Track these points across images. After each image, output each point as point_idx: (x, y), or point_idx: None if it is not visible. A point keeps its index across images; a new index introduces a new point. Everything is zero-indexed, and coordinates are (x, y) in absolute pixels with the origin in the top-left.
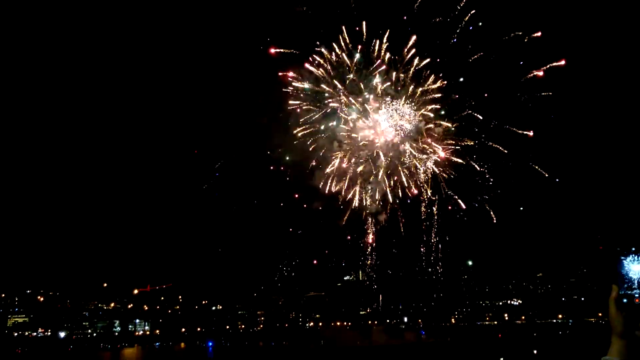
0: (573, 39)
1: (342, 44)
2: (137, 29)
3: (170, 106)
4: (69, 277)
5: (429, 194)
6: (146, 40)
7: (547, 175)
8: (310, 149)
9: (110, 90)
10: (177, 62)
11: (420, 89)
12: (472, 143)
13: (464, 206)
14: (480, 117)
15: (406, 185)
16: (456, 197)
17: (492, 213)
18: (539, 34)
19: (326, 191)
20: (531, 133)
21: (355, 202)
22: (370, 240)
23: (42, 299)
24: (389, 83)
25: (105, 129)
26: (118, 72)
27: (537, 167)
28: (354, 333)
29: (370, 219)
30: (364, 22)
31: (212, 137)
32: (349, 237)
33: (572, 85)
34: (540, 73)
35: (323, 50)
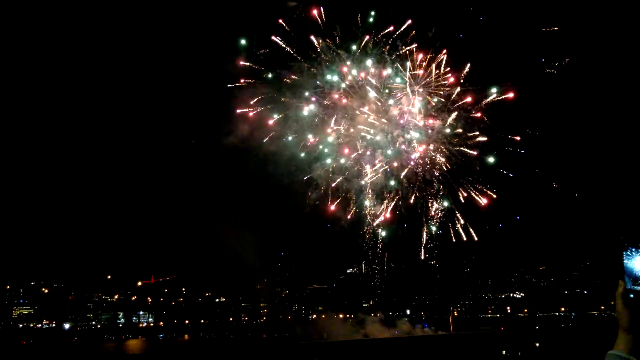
0: (576, 36)
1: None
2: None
3: (169, 100)
4: (73, 269)
5: (432, 189)
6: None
7: (555, 186)
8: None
9: (106, 89)
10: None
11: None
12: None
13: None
14: (486, 119)
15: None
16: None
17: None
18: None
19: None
20: (518, 137)
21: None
22: (372, 233)
23: (46, 290)
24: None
25: (106, 122)
26: (107, 66)
27: (548, 179)
28: (348, 324)
29: (371, 213)
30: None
31: (211, 129)
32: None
33: (575, 79)
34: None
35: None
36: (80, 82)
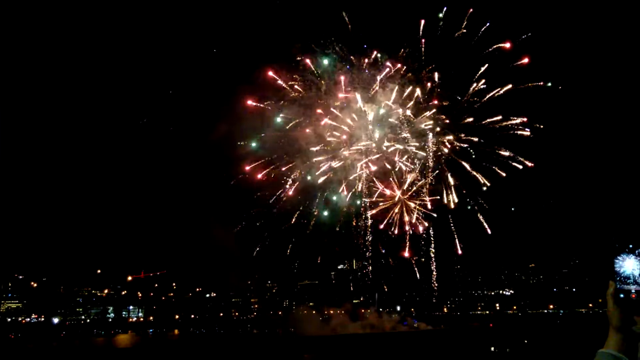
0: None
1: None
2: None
3: (161, 99)
4: (62, 263)
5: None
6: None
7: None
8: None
9: (105, 88)
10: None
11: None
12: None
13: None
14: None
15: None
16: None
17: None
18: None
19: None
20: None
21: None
22: (364, 230)
23: (35, 284)
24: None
25: (95, 118)
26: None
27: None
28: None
29: (364, 209)
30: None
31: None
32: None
33: (569, 77)
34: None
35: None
36: (73, 80)
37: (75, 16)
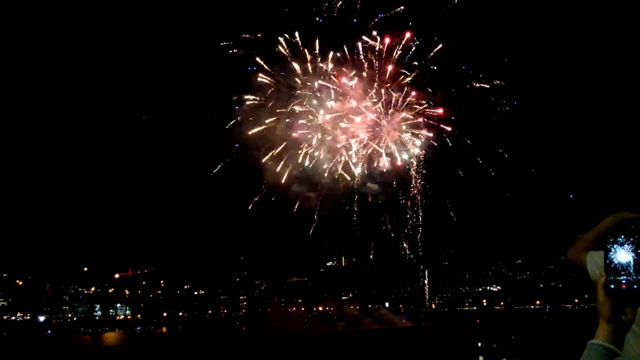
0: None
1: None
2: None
3: (150, 93)
4: (48, 261)
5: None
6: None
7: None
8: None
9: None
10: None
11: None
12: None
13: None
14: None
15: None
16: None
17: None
18: None
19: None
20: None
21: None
22: (352, 227)
23: (21, 282)
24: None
25: (80, 112)
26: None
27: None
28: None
29: (352, 203)
30: None
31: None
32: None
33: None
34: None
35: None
36: (59, 77)
37: (72, 15)
